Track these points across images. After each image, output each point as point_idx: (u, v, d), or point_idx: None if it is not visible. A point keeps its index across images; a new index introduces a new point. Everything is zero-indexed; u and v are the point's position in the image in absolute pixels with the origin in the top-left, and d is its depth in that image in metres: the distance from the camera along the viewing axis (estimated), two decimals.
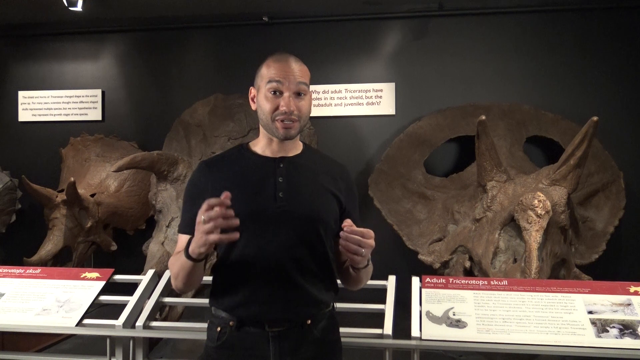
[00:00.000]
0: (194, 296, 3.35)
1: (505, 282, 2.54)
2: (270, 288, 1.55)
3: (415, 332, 2.31)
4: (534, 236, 2.84)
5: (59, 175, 5.20)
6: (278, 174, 1.61)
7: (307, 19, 5.09)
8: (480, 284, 2.53)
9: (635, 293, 2.41)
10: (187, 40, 5.38)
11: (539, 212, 2.90)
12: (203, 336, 1.84)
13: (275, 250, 1.55)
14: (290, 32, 5.13)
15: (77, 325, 2.52)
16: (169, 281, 2.83)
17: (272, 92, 1.58)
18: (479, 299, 2.44)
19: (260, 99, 1.61)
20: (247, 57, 5.10)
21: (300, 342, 1.58)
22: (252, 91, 1.67)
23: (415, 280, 2.61)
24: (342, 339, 1.73)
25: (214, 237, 1.36)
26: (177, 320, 3.29)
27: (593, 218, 3.95)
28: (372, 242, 1.45)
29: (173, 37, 5.38)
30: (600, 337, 2.22)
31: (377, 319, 2.43)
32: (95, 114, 5.48)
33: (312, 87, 1.65)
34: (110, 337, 2.52)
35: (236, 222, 1.37)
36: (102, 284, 2.75)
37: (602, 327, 2.26)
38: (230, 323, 1.58)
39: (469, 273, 3.34)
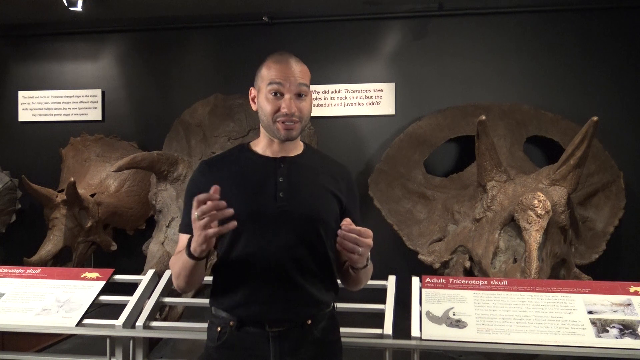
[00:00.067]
0: (194, 296, 3.35)
1: (505, 282, 2.54)
2: (271, 288, 1.55)
3: (415, 332, 2.31)
4: (534, 236, 2.84)
5: (59, 175, 5.20)
6: (279, 174, 1.61)
7: (307, 19, 5.09)
8: (480, 284, 2.53)
9: (635, 293, 2.41)
10: (187, 40, 5.38)
11: (539, 212, 2.90)
12: (203, 336, 1.84)
13: (275, 250, 1.55)
14: (290, 32, 5.13)
15: (77, 325, 2.52)
16: (169, 281, 2.83)
17: (273, 94, 1.58)
18: (479, 299, 2.44)
19: (261, 100, 1.61)
20: (247, 57, 5.10)
21: (300, 342, 1.58)
22: (253, 91, 1.67)
23: (415, 280, 2.61)
24: (342, 339, 1.73)
25: (212, 230, 1.36)
26: (177, 320, 3.29)
27: (593, 218, 3.95)
28: (369, 241, 1.45)
29: (173, 37, 5.38)
30: (600, 337, 2.22)
31: (377, 319, 2.43)
32: (95, 114, 5.48)
33: (312, 87, 1.65)
34: (110, 337, 2.52)
35: (230, 211, 1.37)
36: (102, 284, 2.75)
37: (602, 327, 2.26)
38: (231, 323, 1.58)
39: (469, 273, 3.34)
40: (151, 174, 4.00)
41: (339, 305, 1.76)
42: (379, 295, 2.57)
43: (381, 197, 4.25)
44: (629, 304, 2.36)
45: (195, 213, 1.35)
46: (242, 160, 1.66)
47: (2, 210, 5.05)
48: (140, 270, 3.32)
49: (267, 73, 1.60)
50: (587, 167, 3.70)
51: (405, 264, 4.34)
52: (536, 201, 2.93)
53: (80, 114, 5.50)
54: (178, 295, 3.01)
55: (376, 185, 4.33)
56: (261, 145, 1.67)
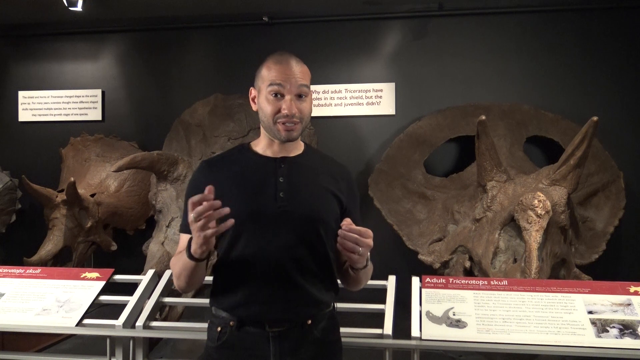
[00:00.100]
0: (194, 296, 3.35)
1: (505, 282, 2.54)
2: (271, 288, 1.55)
3: (415, 332, 2.31)
4: (534, 236, 2.84)
5: (59, 175, 5.20)
6: (279, 174, 1.61)
7: (307, 19, 5.09)
8: (480, 284, 2.53)
9: (635, 293, 2.41)
10: (187, 40, 5.38)
11: (539, 212, 2.90)
12: (203, 336, 1.84)
13: (275, 250, 1.55)
14: (290, 32, 5.13)
15: (77, 325, 2.52)
16: (169, 281, 2.83)
17: (274, 95, 1.58)
18: (479, 299, 2.44)
19: (262, 101, 1.61)
20: (247, 57, 5.10)
21: (300, 342, 1.58)
22: (253, 92, 1.67)
23: (415, 280, 2.61)
24: (342, 339, 1.73)
25: (210, 231, 1.36)
26: (177, 320, 3.29)
27: (593, 218, 3.95)
28: (369, 241, 1.45)
29: (173, 37, 5.38)
30: (600, 337, 2.22)
31: (377, 319, 2.43)
32: (95, 114, 5.48)
33: (313, 87, 1.65)
34: (110, 337, 2.52)
35: (226, 210, 1.37)
36: (102, 284, 2.75)
37: (602, 327, 2.26)
38: (231, 323, 1.58)
39: (469, 273, 3.34)
40: (151, 174, 4.00)
41: (339, 305, 1.76)
42: (379, 295, 2.57)
43: (381, 197, 4.25)
44: (629, 304, 2.36)
45: (191, 215, 1.35)
46: (243, 160, 1.66)
47: (2, 210, 5.05)
48: (140, 270, 3.32)
49: (267, 74, 1.59)
50: (587, 167, 3.70)
51: (405, 264, 4.34)
52: (536, 201, 2.93)
53: (80, 114, 5.50)
54: (178, 295, 3.01)
55: (376, 185, 4.33)
56: (261, 145, 1.67)
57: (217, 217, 1.36)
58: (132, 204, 4.97)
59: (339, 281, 1.71)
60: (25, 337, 3.31)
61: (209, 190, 1.36)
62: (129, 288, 2.77)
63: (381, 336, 2.33)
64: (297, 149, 1.69)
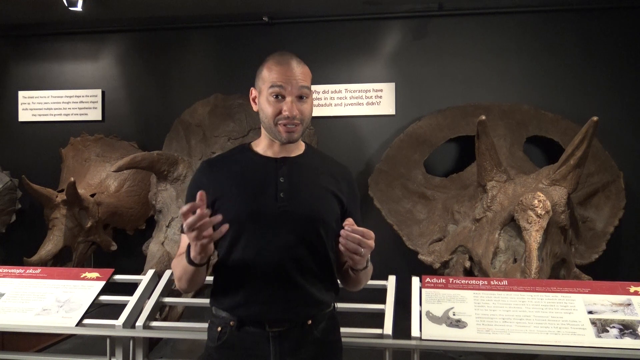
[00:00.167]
0: (194, 296, 3.35)
1: (505, 282, 2.54)
2: (271, 288, 1.55)
3: (415, 332, 2.31)
4: (534, 236, 2.84)
5: (59, 175, 5.20)
6: (279, 174, 1.61)
7: (307, 19, 5.09)
8: (480, 284, 2.53)
9: (635, 293, 2.41)
10: (187, 40, 5.38)
11: (539, 212, 2.90)
12: (203, 336, 1.84)
13: (275, 251, 1.55)
14: (290, 32, 5.13)
15: (77, 325, 2.52)
16: (169, 281, 2.83)
17: (274, 96, 1.57)
18: (479, 299, 2.44)
19: (262, 102, 1.61)
20: (247, 57, 5.10)
21: (300, 342, 1.58)
22: (254, 92, 1.67)
23: (415, 280, 2.61)
24: (342, 339, 1.73)
25: (204, 240, 1.37)
26: (177, 320, 3.29)
27: (593, 218, 3.95)
28: (371, 243, 1.45)
29: (173, 37, 5.38)
30: (600, 337, 2.22)
31: (377, 319, 2.43)
32: (95, 114, 5.48)
33: (313, 87, 1.64)
34: (110, 337, 2.52)
35: (218, 218, 1.37)
36: (102, 284, 2.75)
37: (602, 327, 2.26)
38: (231, 323, 1.58)
39: (469, 273, 3.34)
40: (151, 174, 4.00)
41: (339, 305, 1.76)
42: (379, 295, 2.57)
43: (381, 197, 4.25)
44: (629, 304, 2.36)
45: (184, 227, 1.35)
46: (243, 160, 1.66)
47: (2, 210, 5.05)
48: (140, 270, 3.32)
49: (268, 75, 1.59)
50: (587, 167, 3.70)
51: (405, 264, 4.34)
52: (536, 201, 2.93)
53: (80, 114, 5.49)
54: (178, 295, 3.01)
55: (376, 185, 4.33)
56: (262, 146, 1.67)
57: (209, 227, 1.36)
58: (132, 204, 4.97)
59: (338, 281, 1.71)
60: (25, 337, 3.31)
61: (200, 196, 1.35)
62: (129, 288, 2.77)
63: (381, 336, 2.33)
64: (298, 149, 1.69)
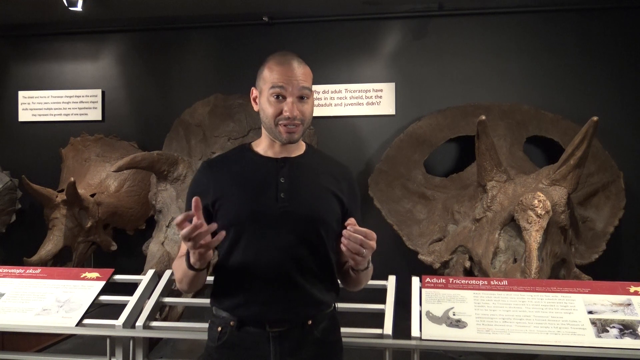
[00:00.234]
0: (194, 296, 3.35)
1: (505, 282, 2.54)
2: (271, 288, 1.55)
3: (415, 332, 2.31)
4: (534, 236, 2.84)
5: (59, 175, 5.20)
6: (280, 175, 1.61)
7: (307, 19, 5.09)
8: (480, 284, 2.53)
9: (635, 293, 2.41)
10: (187, 40, 5.38)
11: (539, 212, 2.90)
12: (203, 336, 1.84)
13: (276, 251, 1.55)
14: (290, 32, 5.13)
15: (77, 325, 2.52)
16: (169, 281, 2.83)
17: (275, 97, 1.57)
18: (479, 299, 2.44)
19: (263, 102, 1.60)
20: (247, 57, 5.10)
21: (301, 342, 1.58)
22: (254, 92, 1.66)
23: (415, 280, 2.61)
24: (342, 339, 1.73)
25: (201, 249, 1.38)
26: (177, 320, 3.29)
27: (593, 218, 3.95)
28: (373, 243, 1.45)
29: (173, 37, 5.38)
30: (600, 337, 2.22)
31: (377, 319, 2.43)
32: (95, 114, 5.48)
33: (312, 87, 1.64)
34: (110, 337, 2.52)
35: (213, 226, 1.38)
36: (102, 284, 2.75)
37: (602, 327, 2.26)
38: (231, 323, 1.58)
39: (469, 273, 3.34)
40: (151, 174, 4.00)
41: (339, 305, 1.76)
42: (379, 295, 2.57)
43: (381, 197, 4.25)
44: (629, 304, 2.36)
45: (180, 237, 1.36)
46: (244, 160, 1.66)
47: (2, 210, 5.05)
48: (140, 270, 3.32)
49: (269, 75, 1.59)
50: (587, 167, 3.70)
51: (405, 264, 4.34)
52: (536, 201, 2.93)
53: (80, 114, 5.50)
54: (178, 295, 3.01)
55: (376, 185, 4.33)
56: (263, 146, 1.67)
57: (206, 235, 1.36)
58: (132, 204, 4.97)
59: (339, 281, 1.71)
60: (25, 337, 3.31)
61: (195, 204, 1.36)
62: (129, 288, 2.77)
63: (381, 336, 2.33)
64: (299, 149, 1.69)
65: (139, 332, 2.51)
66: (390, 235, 4.16)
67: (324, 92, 5.05)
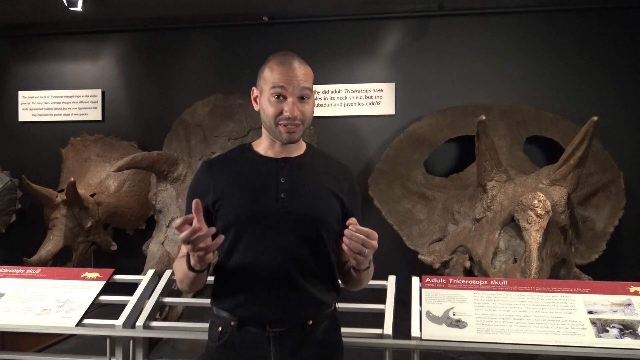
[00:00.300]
0: (194, 296, 3.35)
1: (505, 282, 2.54)
2: (272, 288, 1.55)
3: (415, 332, 2.31)
4: (534, 236, 2.84)
5: (59, 175, 5.20)
6: (280, 175, 1.61)
7: (307, 19, 5.09)
8: (480, 284, 2.53)
9: (635, 293, 2.41)
10: (187, 40, 5.38)
11: (539, 212, 2.90)
12: (203, 336, 1.84)
13: (276, 251, 1.55)
14: (290, 32, 5.13)
15: (77, 325, 2.52)
16: (169, 281, 2.83)
17: (276, 97, 1.57)
18: (479, 299, 2.44)
19: (264, 102, 1.60)
20: (247, 57, 5.10)
21: (301, 342, 1.58)
22: (255, 91, 1.66)
23: (415, 280, 2.61)
24: (342, 339, 1.73)
25: (200, 252, 1.38)
26: (177, 320, 3.29)
27: (593, 218, 3.95)
28: (375, 243, 1.45)
29: (173, 37, 5.38)
30: (600, 337, 2.22)
31: (377, 319, 2.43)
32: (95, 114, 5.48)
33: (313, 87, 1.64)
34: (110, 337, 2.52)
35: (211, 230, 1.38)
36: (102, 284, 2.75)
37: (602, 327, 2.26)
38: (232, 323, 1.58)
39: (469, 273, 3.34)
40: (151, 174, 4.00)
41: (339, 305, 1.76)
42: (379, 295, 2.57)
43: (381, 197, 4.26)
44: (629, 304, 2.36)
45: (180, 240, 1.37)
46: (244, 160, 1.66)
47: (2, 210, 5.05)
48: (140, 270, 3.32)
49: (270, 75, 1.59)
50: (587, 167, 3.70)
51: (405, 264, 4.34)
52: (536, 201, 2.93)
53: (80, 114, 5.50)
54: (178, 295, 3.01)
55: (376, 185, 4.33)
56: (263, 146, 1.67)
57: (205, 239, 1.37)
58: (132, 204, 4.97)
59: (339, 281, 1.71)
60: (25, 337, 3.31)
61: (195, 206, 1.36)
62: (129, 288, 2.77)
63: (381, 336, 2.33)
64: (299, 149, 1.69)
65: (139, 332, 2.50)
66: (390, 235, 4.16)
67: (324, 92, 5.05)
